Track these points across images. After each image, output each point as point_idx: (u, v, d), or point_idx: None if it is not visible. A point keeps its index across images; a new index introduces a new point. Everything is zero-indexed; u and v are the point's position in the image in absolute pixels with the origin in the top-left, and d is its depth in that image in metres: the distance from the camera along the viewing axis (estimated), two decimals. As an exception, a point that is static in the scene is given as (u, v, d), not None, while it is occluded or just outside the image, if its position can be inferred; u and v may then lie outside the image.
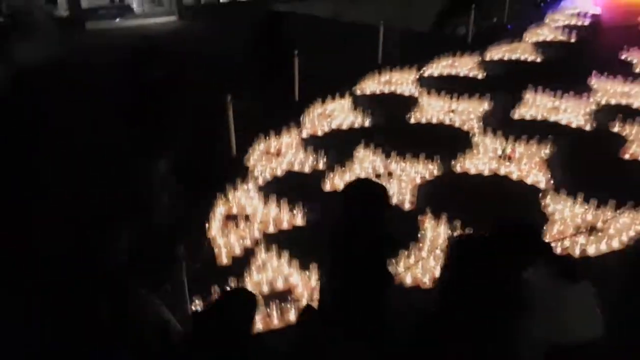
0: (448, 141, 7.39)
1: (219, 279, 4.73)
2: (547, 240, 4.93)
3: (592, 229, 5.43)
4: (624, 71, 9.65)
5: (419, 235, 5.37)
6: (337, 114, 8.31)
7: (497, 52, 11.17)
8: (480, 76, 9.99)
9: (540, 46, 11.52)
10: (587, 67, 9.66)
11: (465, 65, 10.39)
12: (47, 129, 7.29)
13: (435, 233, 5.43)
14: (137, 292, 3.09)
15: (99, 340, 2.76)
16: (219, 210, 5.85)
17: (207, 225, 5.56)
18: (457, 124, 8.01)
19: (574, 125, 7.93)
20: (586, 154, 7.04)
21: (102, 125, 6.63)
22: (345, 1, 15.29)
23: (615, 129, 7.68)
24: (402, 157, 6.75)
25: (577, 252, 5.16)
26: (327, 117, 8.21)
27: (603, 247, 5.23)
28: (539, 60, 10.85)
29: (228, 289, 4.32)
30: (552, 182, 6.34)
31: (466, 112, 8.28)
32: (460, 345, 2.95)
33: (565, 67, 10.01)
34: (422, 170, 6.62)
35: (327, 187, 6.43)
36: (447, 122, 8.10)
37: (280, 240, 5.31)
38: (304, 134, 7.70)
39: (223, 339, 2.64)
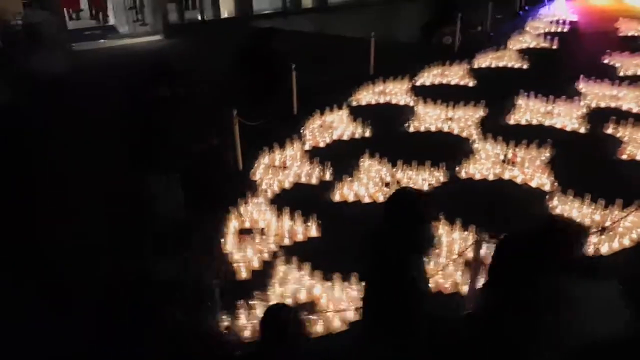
0: (449, 148, 7.49)
1: (242, 293, 4.71)
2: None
3: (603, 229, 5.55)
4: (609, 75, 9.92)
5: (434, 242, 5.40)
6: (336, 125, 8.36)
7: (485, 60, 11.38)
8: (471, 84, 10.16)
9: (525, 53, 11.78)
10: (572, 72, 9.90)
11: (455, 74, 10.56)
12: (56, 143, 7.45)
13: (451, 239, 5.48)
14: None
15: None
16: (232, 224, 5.81)
17: (222, 240, 5.52)
18: (455, 131, 8.13)
19: (568, 129, 8.12)
20: (585, 156, 7.20)
21: (109, 141, 6.56)
22: (330, 16, 15.44)
23: (609, 131, 7.87)
24: (408, 165, 6.81)
25: (590, 252, 5.26)
26: (327, 128, 8.25)
27: (615, 245, 5.34)
28: (525, 67, 11.08)
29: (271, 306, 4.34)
30: (556, 184, 6.47)
31: (463, 119, 8.41)
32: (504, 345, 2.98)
33: (552, 73, 10.24)
34: (428, 177, 6.69)
35: (337, 197, 6.45)
36: (446, 129, 8.22)
37: (298, 252, 5.30)
38: (307, 146, 7.72)
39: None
